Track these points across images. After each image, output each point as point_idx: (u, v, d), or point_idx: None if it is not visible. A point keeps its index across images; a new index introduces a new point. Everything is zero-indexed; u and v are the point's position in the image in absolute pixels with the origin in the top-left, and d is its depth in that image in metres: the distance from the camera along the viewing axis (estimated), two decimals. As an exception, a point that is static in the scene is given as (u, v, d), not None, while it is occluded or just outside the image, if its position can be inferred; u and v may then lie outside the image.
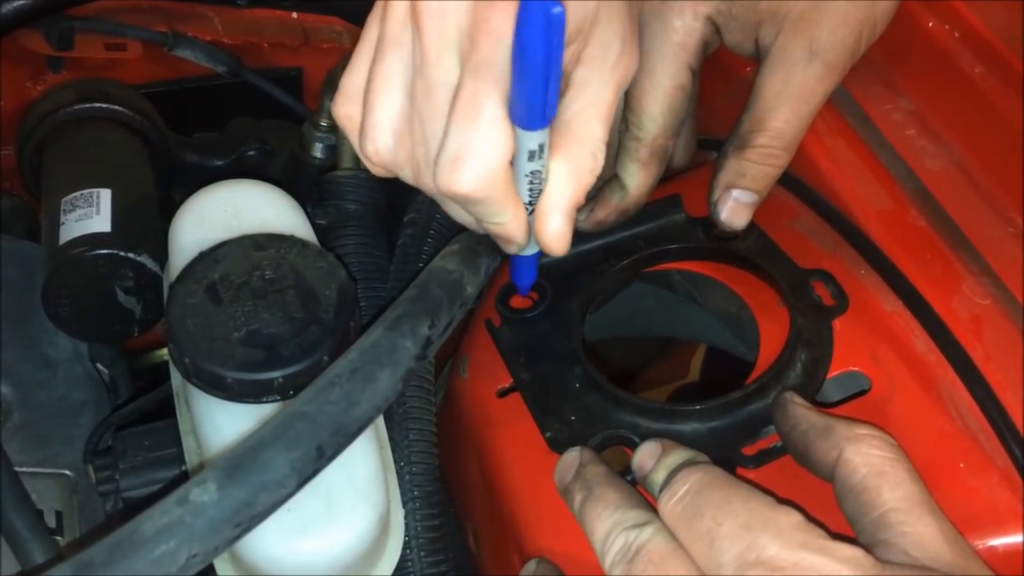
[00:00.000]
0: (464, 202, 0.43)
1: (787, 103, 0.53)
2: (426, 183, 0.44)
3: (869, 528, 0.40)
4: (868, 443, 0.41)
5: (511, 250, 0.48)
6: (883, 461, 0.41)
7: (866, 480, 0.40)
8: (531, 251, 0.49)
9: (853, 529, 0.41)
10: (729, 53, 0.57)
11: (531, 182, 0.44)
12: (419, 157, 0.43)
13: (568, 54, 0.41)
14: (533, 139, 0.42)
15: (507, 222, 0.44)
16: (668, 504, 0.41)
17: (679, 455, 0.44)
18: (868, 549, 0.39)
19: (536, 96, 0.39)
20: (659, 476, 0.43)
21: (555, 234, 0.45)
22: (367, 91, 0.44)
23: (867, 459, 0.41)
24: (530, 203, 0.45)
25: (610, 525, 0.42)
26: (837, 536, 0.39)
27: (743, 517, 0.39)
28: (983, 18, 0.58)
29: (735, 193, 0.54)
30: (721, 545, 0.39)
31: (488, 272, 0.51)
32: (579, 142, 0.43)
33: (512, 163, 0.42)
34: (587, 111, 0.43)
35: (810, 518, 0.39)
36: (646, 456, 0.45)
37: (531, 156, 0.43)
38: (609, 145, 0.59)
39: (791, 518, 0.39)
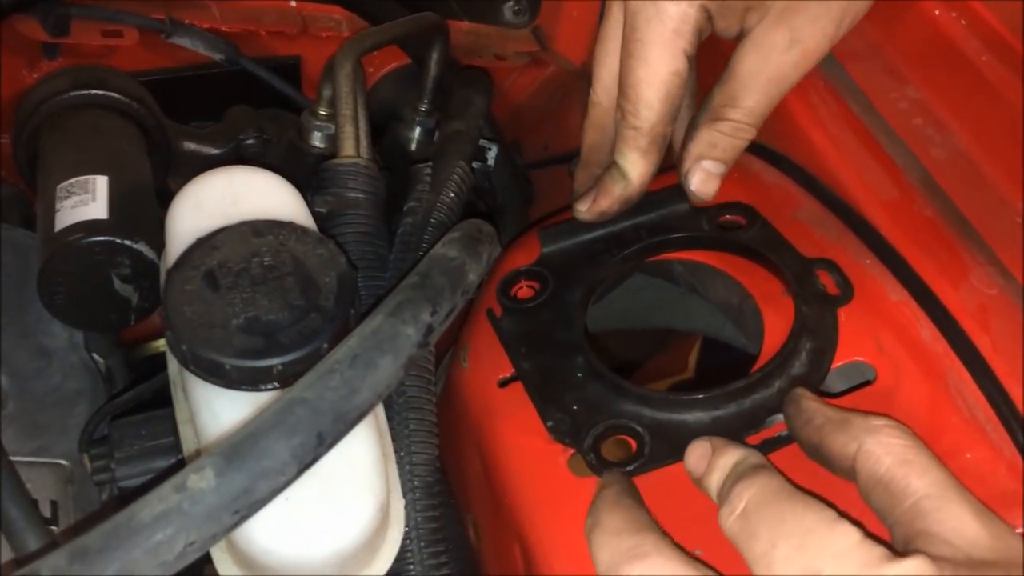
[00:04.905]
0: None
1: (762, 84, 0.54)
2: None
3: (904, 518, 0.39)
4: (888, 433, 0.41)
5: None
6: (906, 450, 0.40)
7: (892, 470, 0.40)
8: None
9: (885, 521, 0.40)
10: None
11: None
12: None
13: None
14: None
15: None
16: (727, 521, 0.41)
17: (730, 456, 0.43)
18: (906, 541, 0.38)
19: None
20: (714, 480, 0.43)
21: None
22: None
23: (890, 449, 0.40)
24: None
25: (607, 555, 0.42)
26: (888, 546, 0.38)
27: (798, 538, 0.38)
28: (990, 6, 0.57)
29: (706, 164, 0.56)
30: (778, 568, 0.38)
31: (490, 260, 0.50)
32: None
33: None
34: None
35: (868, 533, 0.38)
36: (697, 458, 0.44)
37: None
38: (605, 130, 0.59)
39: (849, 537, 0.38)
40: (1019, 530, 0.43)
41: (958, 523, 0.38)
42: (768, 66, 0.54)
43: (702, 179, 0.56)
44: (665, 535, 0.42)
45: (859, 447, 0.41)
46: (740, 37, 0.56)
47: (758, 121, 0.56)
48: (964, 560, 0.37)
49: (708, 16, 0.55)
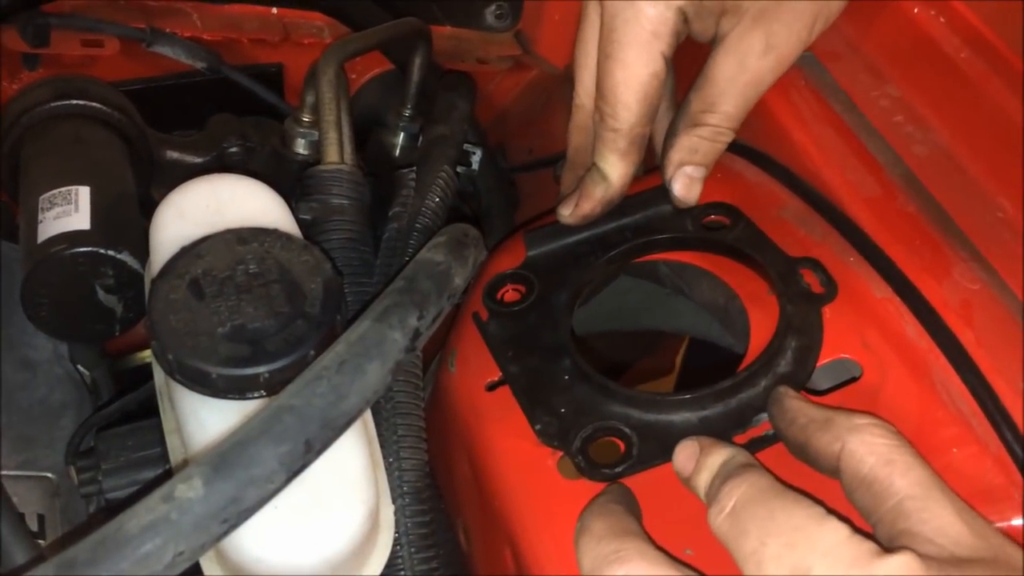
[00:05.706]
0: None
1: (739, 89, 0.55)
2: None
3: (887, 517, 0.39)
4: (871, 432, 0.41)
5: None
6: (889, 449, 0.40)
7: (875, 469, 0.40)
8: None
9: (868, 520, 0.40)
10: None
11: None
12: None
13: None
14: None
15: None
16: (716, 520, 0.41)
17: (718, 455, 0.43)
18: (889, 540, 0.39)
19: None
20: (702, 479, 0.43)
21: None
22: None
23: (873, 448, 0.41)
24: None
25: (590, 559, 0.42)
26: (874, 539, 0.38)
27: (787, 536, 0.38)
28: (969, 4, 0.58)
29: (688, 169, 0.57)
30: (768, 566, 0.38)
31: (476, 264, 0.50)
32: None
33: None
34: None
35: (857, 529, 0.38)
36: (685, 459, 0.44)
37: None
38: (590, 132, 0.60)
39: (838, 533, 0.38)
40: (1017, 523, 0.43)
41: (941, 522, 0.38)
42: (745, 71, 0.55)
43: (685, 184, 0.57)
44: (649, 540, 0.42)
45: (842, 446, 0.41)
46: (715, 41, 0.56)
47: (736, 124, 0.57)
48: (949, 558, 0.37)
49: (685, 19, 0.55)
